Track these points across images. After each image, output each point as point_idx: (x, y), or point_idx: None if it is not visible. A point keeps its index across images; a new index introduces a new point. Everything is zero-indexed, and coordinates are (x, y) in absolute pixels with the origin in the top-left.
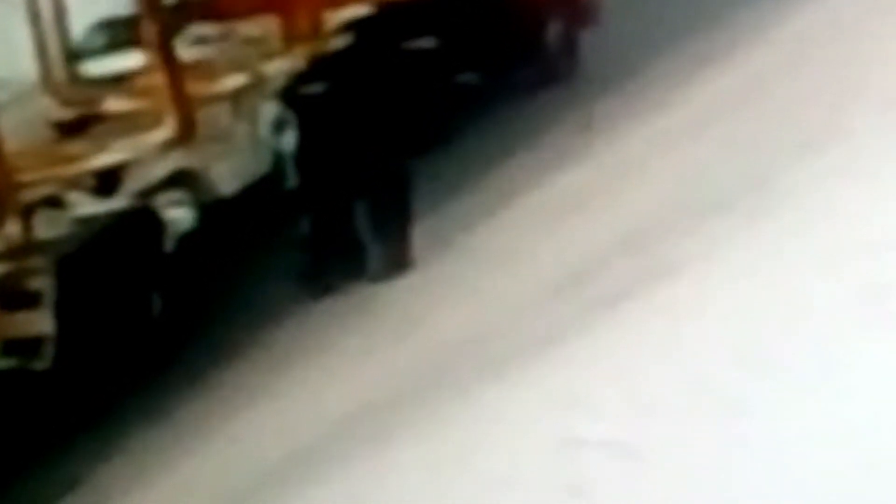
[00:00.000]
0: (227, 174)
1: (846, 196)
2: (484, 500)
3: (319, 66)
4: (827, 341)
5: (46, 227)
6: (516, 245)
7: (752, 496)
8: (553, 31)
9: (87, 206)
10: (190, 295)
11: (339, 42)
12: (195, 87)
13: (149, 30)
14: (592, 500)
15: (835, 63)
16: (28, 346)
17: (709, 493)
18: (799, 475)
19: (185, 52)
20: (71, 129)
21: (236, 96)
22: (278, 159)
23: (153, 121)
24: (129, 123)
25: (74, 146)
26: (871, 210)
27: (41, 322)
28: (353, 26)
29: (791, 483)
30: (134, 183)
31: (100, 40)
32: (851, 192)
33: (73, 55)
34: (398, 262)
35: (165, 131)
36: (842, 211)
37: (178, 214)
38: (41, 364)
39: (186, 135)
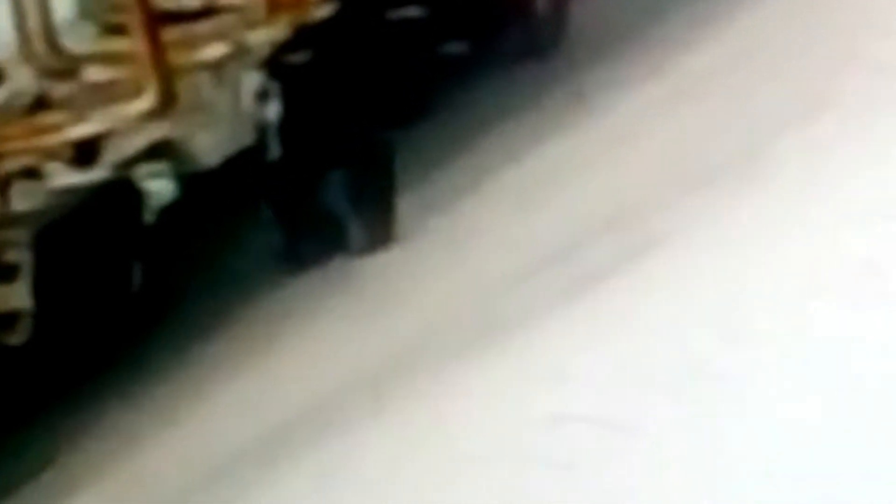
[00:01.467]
0: (209, 145)
1: (838, 166)
2: (469, 477)
3: (303, 36)
4: (819, 317)
5: (23, 199)
6: (502, 219)
7: (741, 471)
8: None
9: (65, 177)
10: (170, 268)
11: (324, 11)
12: (176, 57)
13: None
14: (579, 477)
15: (824, 30)
16: (4, 321)
17: (698, 467)
18: (790, 452)
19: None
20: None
21: (218, 66)
22: (261, 130)
23: (133, 90)
24: (109, 93)
25: (52, 116)
26: (865, 180)
27: (18, 296)
28: None
29: (781, 459)
30: (113, 154)
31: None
32: (843, 162)
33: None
34: (380, 236)
35: (146, 101)
36: (835, 181)
37: (159, 186)
38: (17, 339)
39: (167, 105)
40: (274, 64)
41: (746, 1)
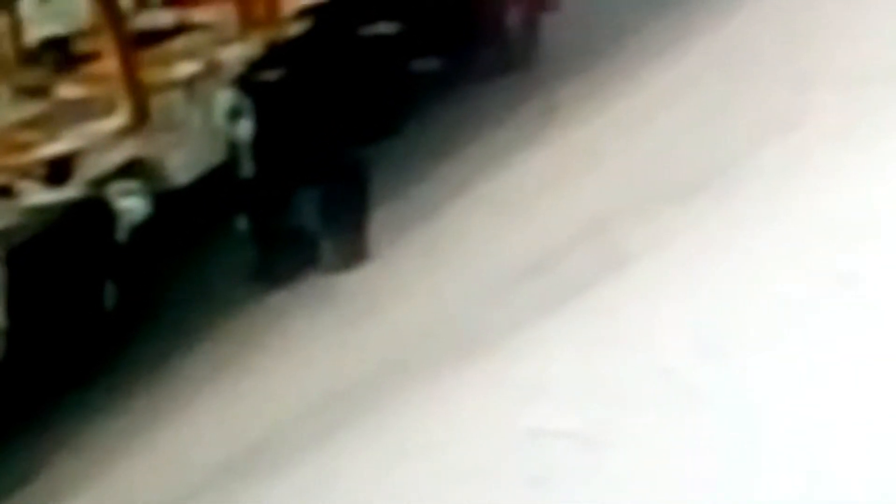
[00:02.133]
0: (182, 163)
1: (813, 177)
2: (443, 492)
3: (276, 53)
4: (794, 330)
5: None
6: (476, 233)
7: (716, 487)
8: (513, 15)
9: (38, 195)
10: (143, 286)
11: (297, 28)
12: (149, 74)
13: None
14: (554, 491)
15: (795, 42)
16: None
17: (672, 482)
18: (763, 465)
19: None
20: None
21: (191, 83)
22: (233, 148)
23: (106, 108)
24: (82, 111)
25: (25, 134)
26: (838, 192)
27: None
28: (310, 11)
29: (755, 473)
30: (86, 171)
31: None
32: (818, 173)
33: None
34: (354, 253)
35: (118, 119)
36: (808, 194)
37: (132, 204)
38: None
39: (140, 123)
40: (246, 81)
41: (719, 15)
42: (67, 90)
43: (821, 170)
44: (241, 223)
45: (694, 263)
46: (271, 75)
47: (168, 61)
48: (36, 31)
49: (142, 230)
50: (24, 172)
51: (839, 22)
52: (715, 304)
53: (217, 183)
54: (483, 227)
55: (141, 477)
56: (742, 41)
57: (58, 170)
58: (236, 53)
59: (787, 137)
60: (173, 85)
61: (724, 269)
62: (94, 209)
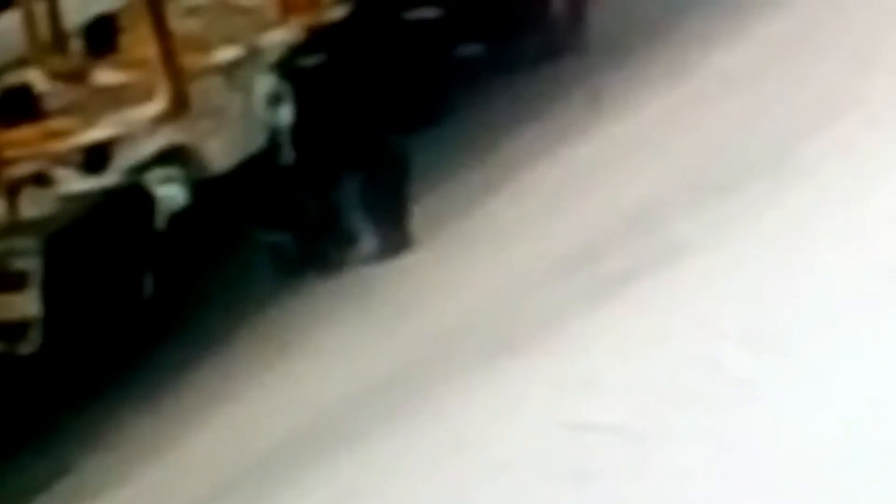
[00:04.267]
0: (221, 150)
1: (864, 168)
2: (485, 487)
3: (317, 38)
4: (844, 322)
5: (32, 206)
6: (520, 224)
7: (762, 482)
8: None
9: (75, 183)
10: (182, 275)
11: (338, 12)
12: (188, 60)
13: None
14: (599, 487)
15: (848, 30)
16: (13, 330)
17: (720, 478)
18: (811, 460)
19: (178, 23)
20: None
21: (230, 69)
22: (273, 134)
23: (144, 94)
24: (119, 97)
25: (62, 121)
26: (891, 182)
27: (27, 304)
28: None
29: (803, 468)
30: (124, 159)
31: None
32: (869, 165)
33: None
34: (396, 243)
35: (157, 105)
36: (862, 183)
37: (170, 191)
38: (27, 348)
39: (179, 109)
40: (286, 67)
41: (766, 5)
42: (105, 76)
43: (873, 159)
44: (282, 211)
45: (744, 255)
46: (312, 61)
47: (208, 47)
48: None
49: (180, 218)
50: (61, 160)
51: (888, 13)
52: (765, 296)
53: (257, 170)
54: (527, 218)
55: (172, 475)
56: (791, 32)
57: (95, 157)
58: (277, 38)
59: (840, 126)
60: (213, 70)
61: (774, 261)
62: (132, 197)
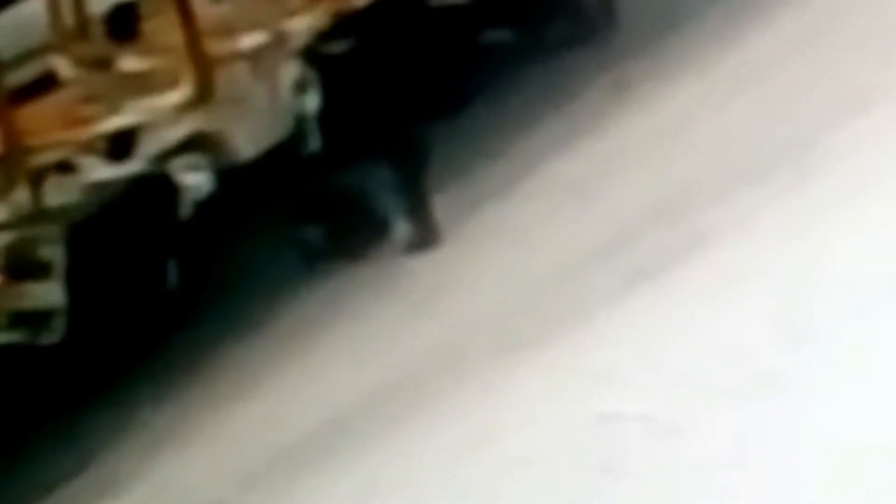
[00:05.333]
0: (246, 137)
1: (890, 160)
2: (511, 480)
3: (343, 24)
4: (872, 312)
5: (57, 194)
6: (546, 214)
7: (789, 474)
8: None
9: (99, 170)
10: (206, 264)
11: None
12: (213, 46)
13: None
14: (626, 478)
15: (876, 22)
16: (37, 319)
17: (745, 469)
18: (838, 452)
19: (203, 8)
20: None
21: (256, 55)
22: (300, 122)
23: (169, 81)
24: (144, 84)
25: (86, 107)
26: None
27: (51, 293)
28: None
29: (830, 460)
30: (148, 146)
31: None
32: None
33: None
34: (424, 235)
35: (182, 92)
36: (886, 175)
37: (195, 179)
38: (50, 338)
39: (204, 96)
40: (313, 53)
41: None
42: (129, 62)
43: None
44: (308, 199)
45: (771, 246)
46: (339, 47)
47: (233, 33)
48: None
49: (206, 206)
50: (85, 147)
51: None
52: (792, 287)
53: (282, 158)
54: (554, 208)
55: (196, 466)
56: (818, 22)
57: (119, 145)
58: (303, 24)
59: (866, 117)
60: (238, 57)
61: (801, 251)
62: (156, 185)
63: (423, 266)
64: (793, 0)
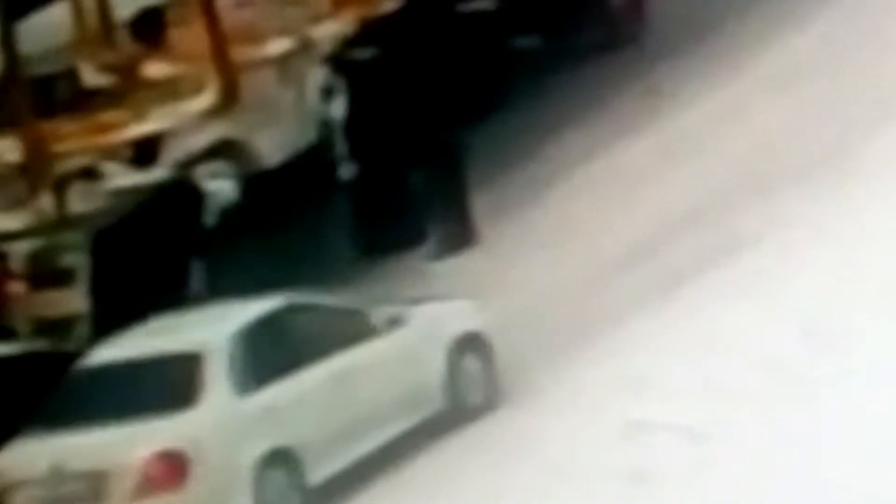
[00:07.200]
0: (272, 144)
1: None
2: (547, 487)
3: (370, 30)
4: None
5: (81, 200)
6: (578, 218)
7: (825, 480)
8: None
9: (123, 177)
10: (231, 270)
11: (391, 4)
12: (239, 52)
13: None
14: (659, 486)
15: None
16: (61, 326)
17: (780, 477)
18: (872, 459)
19: (229, 14)
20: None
21: (282, 61)
22: (326, 128)
23: (194, 87)
24: (169, 90)
25: (111, 114)
26: None
27: (75, 300)
28: None
29: (866, 466)
30: (173, 153)
31: None
32: None
33: None
34: (461, 239)
35: (207, 98)
36: None
37: (220, 186)
38: (75, 345)
39: (229, 102)
40: (339, 59)
41: None
42: (154, 69)
43: None
44: (342, 203)
45: (805, 251)
46: (365, 53)
47: (259, 38)
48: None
49: (231, 213)
50: (110, 154)
51: None
52: (826, 293)
53: (309, 164)
54: (586, 212)
55: None
56: (859, 24)
57: (144, 151)
58: (329, 30)
59: None
60: (264, 63)
61: (836, 258)
62: (181, 192)
63: (455, 270)
64: (826, 4)
